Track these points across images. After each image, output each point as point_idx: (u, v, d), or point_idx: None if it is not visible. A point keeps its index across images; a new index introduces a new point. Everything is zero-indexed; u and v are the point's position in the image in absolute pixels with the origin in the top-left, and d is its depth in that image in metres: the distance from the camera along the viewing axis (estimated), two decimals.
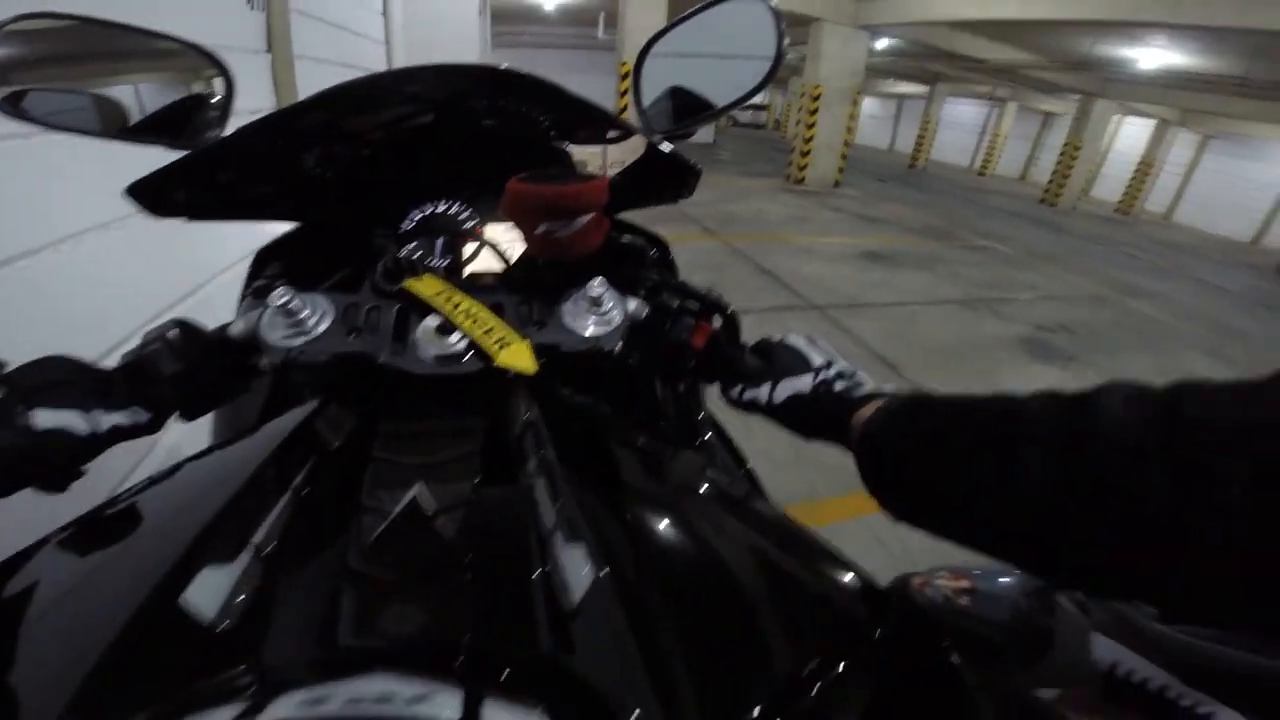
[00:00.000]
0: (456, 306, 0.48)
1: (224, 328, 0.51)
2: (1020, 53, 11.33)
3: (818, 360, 0.55)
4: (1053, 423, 0.35)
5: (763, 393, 0.55)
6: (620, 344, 0.51)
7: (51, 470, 0.43)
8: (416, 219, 0.69)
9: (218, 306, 1.48)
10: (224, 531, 0.33)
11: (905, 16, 9.03)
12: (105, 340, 1.23)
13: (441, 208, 0.69)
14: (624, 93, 9.27)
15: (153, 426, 0.48)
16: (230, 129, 0.59)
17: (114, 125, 0.64)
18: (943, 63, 13.22)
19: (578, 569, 0.30)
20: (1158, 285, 7.07)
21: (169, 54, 0.68)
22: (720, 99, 0.68)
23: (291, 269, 0.67)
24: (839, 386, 0.52)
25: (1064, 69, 11.55)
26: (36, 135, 0.93)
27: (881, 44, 12.39)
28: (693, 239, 5.93)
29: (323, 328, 0.47)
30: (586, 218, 0.52)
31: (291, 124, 0.58)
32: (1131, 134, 16.63)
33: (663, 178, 0.68)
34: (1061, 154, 13.98)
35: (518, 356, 0.45)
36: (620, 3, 9.17)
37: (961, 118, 20.83)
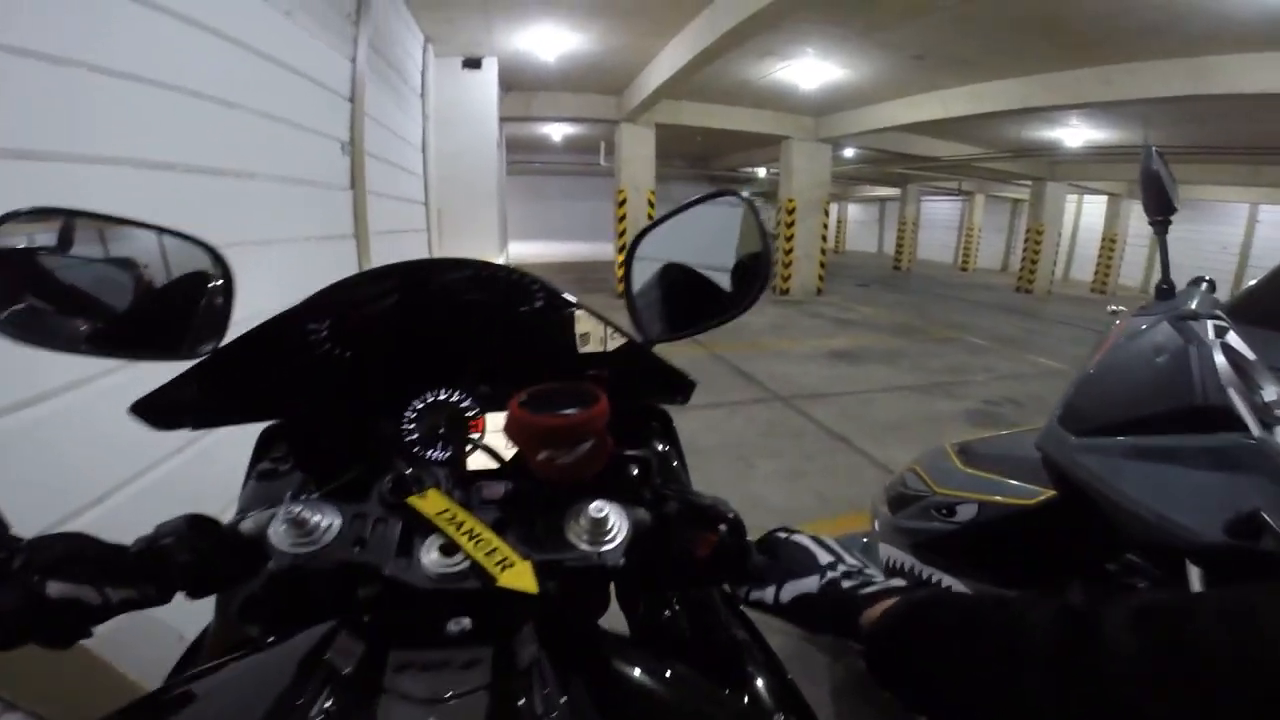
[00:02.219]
0: (459, 527, 0.49)
1: (235, 525, 0.54)
2: (966, 146, 12.03)
3: (824, 559, 0.56)
4: (1055, 642, 0.37)
5: (769, 594, 0.56)
6: (623, 560, 0.51)
7: (58, 631, 0.46)
8: (418, 408, 0.70)
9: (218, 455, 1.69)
10: None
11: (856, 126, 9.99)
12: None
13: (443, 395, 0.70)
14: (621, 218, 10.23)
15: (161, 600, 0.51)
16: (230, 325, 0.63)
17: (108, 339, 0.62)
18: (903, 163, 14.01)
19: None
20: None
21: (168, 251, 0.65)
22: (715, 295, 0.71)
23: (296, 450, 0.72)
24: (846, 585, 0.53)
25: (1009, 158, 12.21)
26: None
27: (849, 153, 13.33)
28: (680, 350, 6.66)
29: (329, 538, 0.49)
30: (588, 444, 0.54)
31: (289, 327, 0.62)
32: (1093, 212, 17.01)
33: (659, 381, 0.72)
34: (1026, 240, 14.50)
35: (519, 577, 0.46)
36: (615, 134, 10.23)
37: (938, 215, 21.49)
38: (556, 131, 13.31)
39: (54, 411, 1.29)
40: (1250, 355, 1.11)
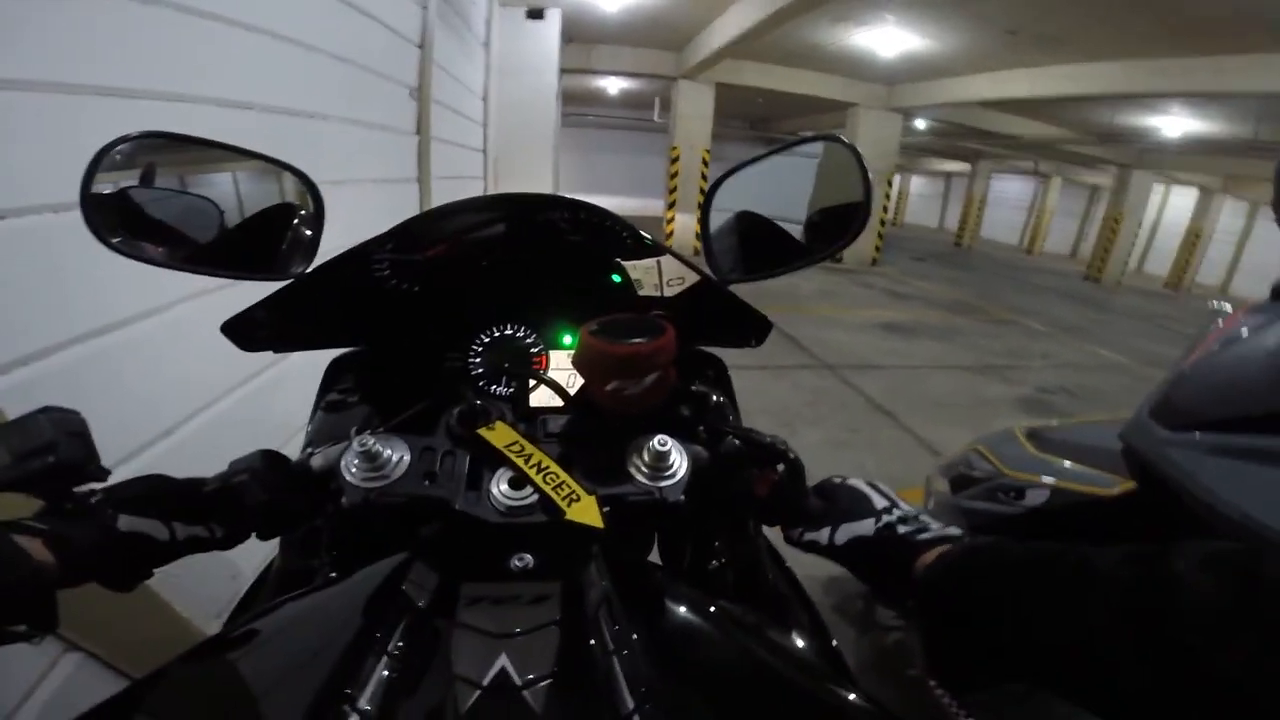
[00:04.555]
0: (528, 460, 0.49)
1: (305, 460, 0.54)
2: (1049, 128, 11.55)
3: (880, 503, 0.56)
4: (1127, 587, 0.36)
5: (823, 535, 0.56)
6: (683, 496, 0.51)
7: (123, 568, 0.47)
8: (485, 342, 0.72)
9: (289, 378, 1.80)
10: (328, 690, 0.35)
11: (932, 98, 9.67)
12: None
13: (509, 331, 0.72)
14: (674, 175, 10.17)
15: (227, 543, 0.52)
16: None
17: (210, 258, 0.65)
18: (978, 139, 13.50)
19: None
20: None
21: (264, 175, 0.69)
22: (788, 242, 0.69)
23: (363, 382, 0.72)
24: (902, 530, 0.53)
25: (1095, 142, 11.66)
26: None
27: (920, 124, 12.90)
28: None
29: (399, 471, 0.49)
30: (654, 375, 0.54)
31: (372, 254, 0.63)
32: (1180, 204, 16.24)
33: (729, 321, 0.72)
34: (1102, 228, 13.83)
35: (586, 512, 0.46)
36: (673, 91, 10.15)
37: (1008, 194, 20.75)
38: (612, 85, 13.15)
39: (125, 340, 1.32)
40: None
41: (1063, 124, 11.26)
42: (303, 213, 0.69)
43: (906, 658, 1.78)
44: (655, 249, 0.69)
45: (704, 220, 0.71)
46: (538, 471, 0.49)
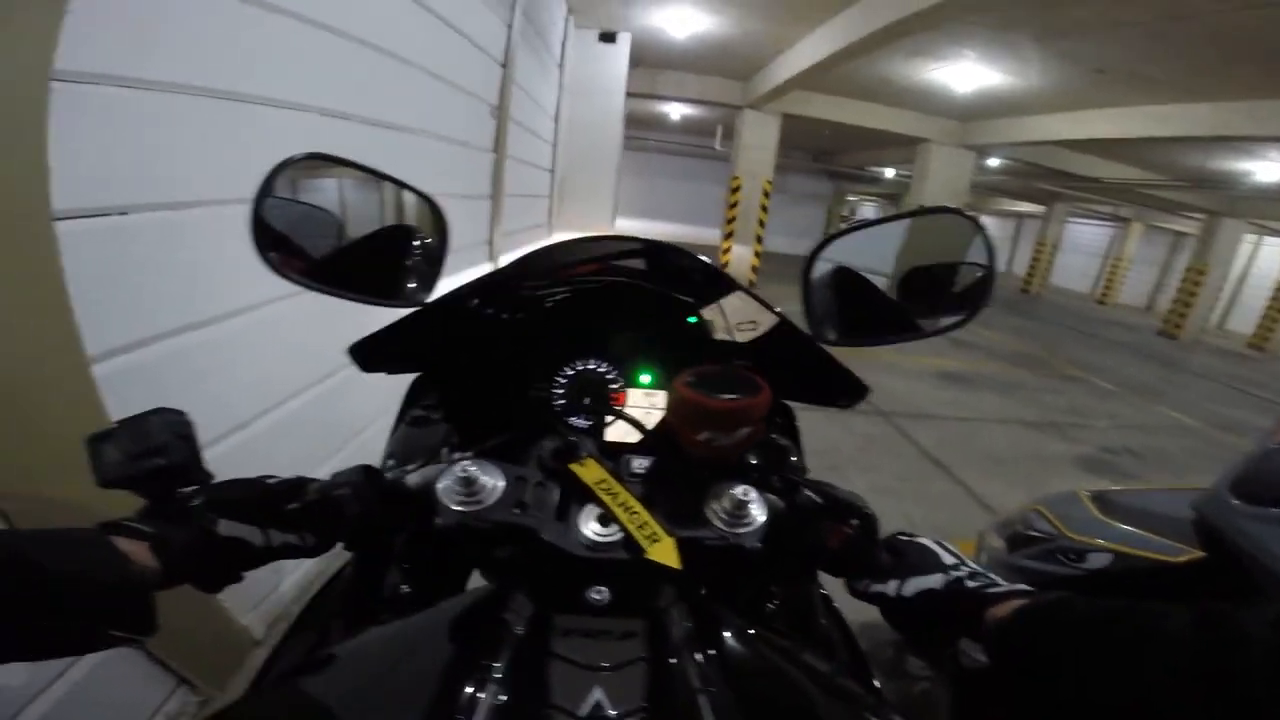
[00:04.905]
0: (615, 498, 0.51)
1: (401, 477, 0.56)
2: (1133, 169, 11.07)
3: (949, 560, 0.56)
4: (1195, 647, 0.36)
5: (890, 587, 0.56)
6: (760, 544, 0.52)
7: (216, 572, 0.48)
8: (569, 374, 0.74)
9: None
10: (438, 716, 0.36)
11: (1008, 136, 9.40)
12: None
13: (591, 365, 0.75)
14: (733, 204, 10.05)
15: (316, 551, 0.53)
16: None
17: (330, 275, 0.67)
18: (1055, 181, 13.10)
19: None
20: (1263, 420, 6.71)
21: (387, 194, 0.72)
22: (888, 310, 0.69)
23: (445, 401, 0.75)
24: (971, 585, 0.53)
25: (1183, 187, 11.07)
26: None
27: (993, 162, 12.64)
28: None
29: (494, 498, 0.51)
30: (747, 430, 0.55)
31: (487, 288, 0.66)
32: (1272, 256, 15.36)
33: (820, 378, 0.72)
34: (1183, 279, 12.98)
35: (665, 553, 0.47)
36: (737, 120, 10.06)
37: (1082, 239, 20.10)
38: (675, 111, 13.15)
39: (224, 333, 1.41)
40: None
41: (1148, 167, 10.83)
42: (427, 240, 0.72)
43: (934, 709, 1.75)
44: (728, 286, 0.69)
45: (805, 277, 0.71)
46: (624, 511, 0.50)
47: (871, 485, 3.49)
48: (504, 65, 3.32)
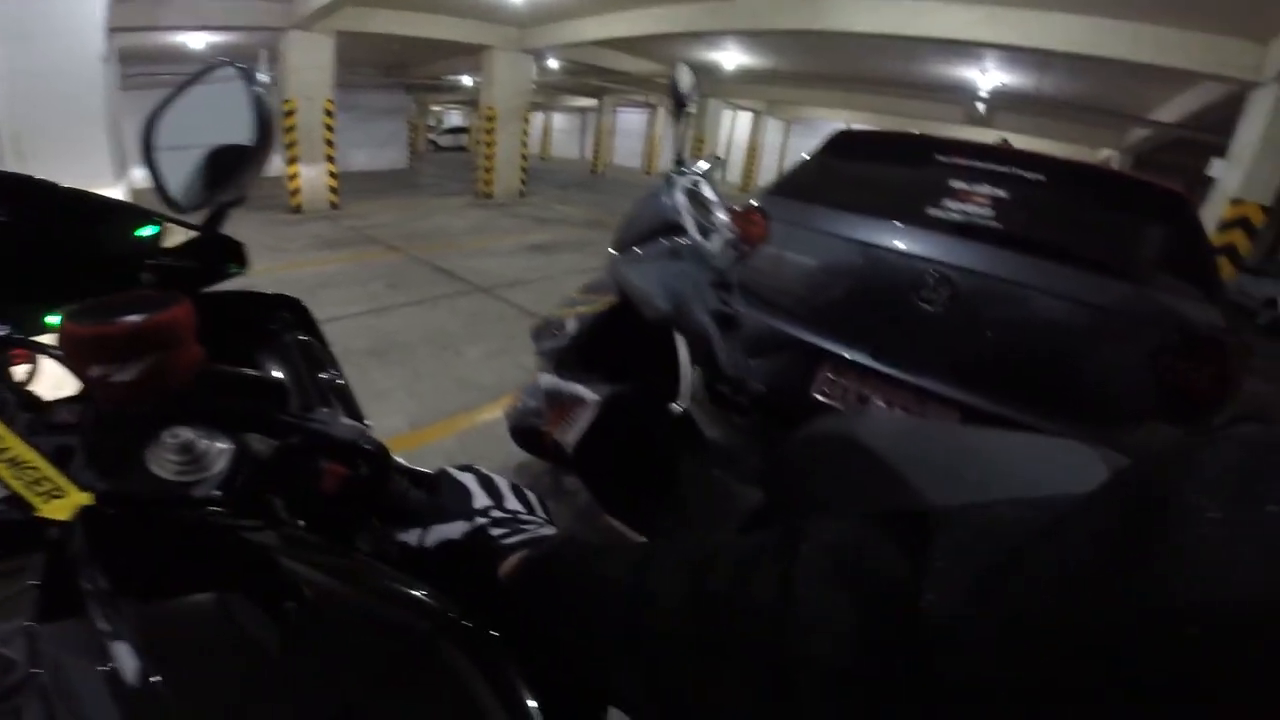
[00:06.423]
0: (3, 454, 0.43)
1: None
2: (650, 64, 12.98)
3: (480, 503, 0.51)
4: (629, 594, 0.36)
5: (413, 537, 0.50)
6: (216, 492, 0.46)
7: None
8: None
9: None
10: None
11: (557, 39, 10.37)
12: None
13: None
14: (290, 129, 9.30)
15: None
16: None
17: None
18: (601, 77, 14.69)
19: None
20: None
21: None
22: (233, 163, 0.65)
23: None
24: (494, 533, 0.49)
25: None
26: None
27: (554, 64, 13.75)
28: (375, 256, 6.68)
29: None
30: (150, 359, 0.45)
31: None
32: (743, 125, 19.59)
33: (218, 258, 0.68)
34: (691, 147, 16.50)
35: (62, 510, 0.41)
36: (282, 42, 9.16)
37: (630, 125, 23.15)
38: (198, 40, 11.32)
39: None
40: (713, 198, 1.57)
41: (661, 60, 12.64)
42: None
43: None
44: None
45: (150, 161, 0.68)
46: (10, 466, 0.43)
47: (487, 351, 3.97)
48: None
